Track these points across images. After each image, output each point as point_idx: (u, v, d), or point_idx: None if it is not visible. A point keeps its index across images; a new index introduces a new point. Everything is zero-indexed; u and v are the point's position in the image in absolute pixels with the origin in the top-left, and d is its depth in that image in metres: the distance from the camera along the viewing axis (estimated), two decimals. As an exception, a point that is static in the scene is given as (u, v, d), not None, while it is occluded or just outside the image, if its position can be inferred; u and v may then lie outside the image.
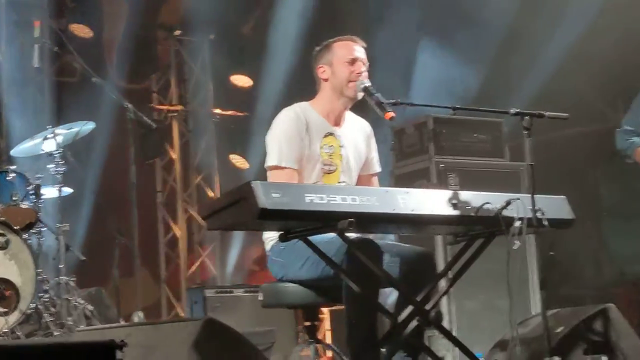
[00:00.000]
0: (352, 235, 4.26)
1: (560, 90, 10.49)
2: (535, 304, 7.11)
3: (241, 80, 10.27)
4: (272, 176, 4.36)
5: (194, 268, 9.80)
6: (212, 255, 9.96)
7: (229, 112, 10.07)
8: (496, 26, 9.22)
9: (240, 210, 3.55)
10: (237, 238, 9.63)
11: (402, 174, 7.30)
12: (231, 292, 7.39)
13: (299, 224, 3.71)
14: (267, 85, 9.55)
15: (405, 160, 7.37)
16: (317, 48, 4.63)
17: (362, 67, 4.48)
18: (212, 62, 10.24)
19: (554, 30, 9.89)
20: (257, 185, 3.48)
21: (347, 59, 4.48)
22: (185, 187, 9.96)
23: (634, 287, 11.50)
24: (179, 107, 9.95)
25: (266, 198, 3.46)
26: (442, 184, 6.88)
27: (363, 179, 4.69)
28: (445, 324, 6.80)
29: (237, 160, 10.10)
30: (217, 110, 10.10)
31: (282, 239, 3.81)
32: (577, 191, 12.05)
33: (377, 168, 4.77)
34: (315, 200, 3.59)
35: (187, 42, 10.24)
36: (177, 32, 10.00)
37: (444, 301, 6.88)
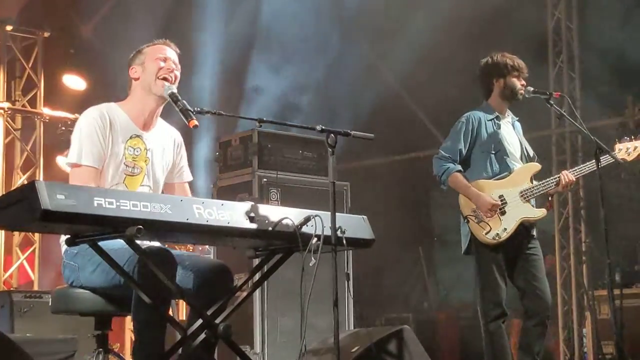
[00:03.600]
0: (149, 244, 4.18)
1: (396, 115, 10.70)
2: (350, 322, 7.18)
3: (74, 82, 9.99)
4: (71, 174, 4.28)
5: (10, 271, 9.43)
6: (32, 259, 9.61)
7: (59, 114, 9.76)
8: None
9: (23, 210, 3.38)
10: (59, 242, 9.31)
11: (224, 186, 7.26)
12: (41, 297, 7.14)
13: (87, 228, 3.57)
14: (101, 90, 9.33)
15: (229, 172, 7.33)
16: (133, 52, 4.55)
17: (173, 66, 4.43)
18: (45, 61, 9.92)
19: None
20: (41, 185, 3.33)
21: (158, 56, 4.44)
22: (8, 187, 9.58)
23: (456, 311, 11.81)
24: (7, 105, 9.58)
25: (50, 199, 3.31)
26: (263, 198, 6.87)
27: (175, 187, 4.63)
28: (257, 341, 6.77)
29: (64, 162, 9.78)
30: (47, 111, 9.78)
31: (69, 243, 3.67)
32: (410, 216, 12.37)
33: (188, 177, 4.71)
34: (104, 205, 3.45)
35: (20, 39, 9.89)
36: (9, 27, 9.64)
37: (257, 318, 6.86)
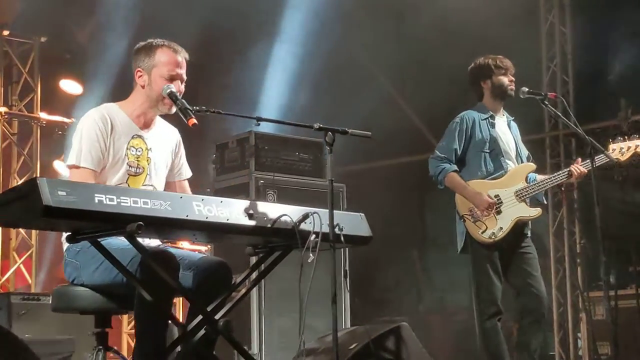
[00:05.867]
0: (150, 242, 4.22)
1: (391, 119, 10.73)
2: (347, 321, 7.22)
3: (71, 87, 10.02)
4: (70, 175, 4.30)
5: (7, 275, 9.45)
6: (29, 263, 9.63)
7: (56, 118, 9.79)
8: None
9: (24, 206, 3.41)
10: (54, 245, 9.36)
11: (222, 188, 7.30)
12: (38, 299, 7.17)
13: (88, 224, 3.60)
14: (97, 94, 9.36)
15: (226, 174, 7.37)
16: (141, 44, 4.50)
17: (180, 85, 4.39)
18: (42, 66, 9.95)
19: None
20: (42, 182, 3.36)
21: (166, 74, 4.38)
22: (5, 192, 9.59)
23: (451, 315, 11.83)
24: (4, 109, 9.60)
25: (51, 196, 3.34)
26: (260, 200, 6.89)
27: (175, 185, 4.66)
28: (254, 340, 6.80)
29: (61, 167, 9.81)
30: (44, 115, 9.81)
31: (70, 240, 3.70)
32: (404, 220, 12.40)
33: (188, 173, 4.74)
34: (105, 201, 3.49)
35: (16, 44, 9.92)
36: (6, 33, 9.67)
37: (254, 319, 6.89)
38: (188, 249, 4.87)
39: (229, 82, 9.84)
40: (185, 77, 4.45)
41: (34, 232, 9.45)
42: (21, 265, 9.54)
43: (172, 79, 4.38)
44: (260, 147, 7.19)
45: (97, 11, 9.59)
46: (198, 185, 5.19)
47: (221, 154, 7.43)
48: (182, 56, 4.48)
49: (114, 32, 9.33)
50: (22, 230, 9.52)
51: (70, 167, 4.30)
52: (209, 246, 7.31)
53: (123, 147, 4.39)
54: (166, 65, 4.40)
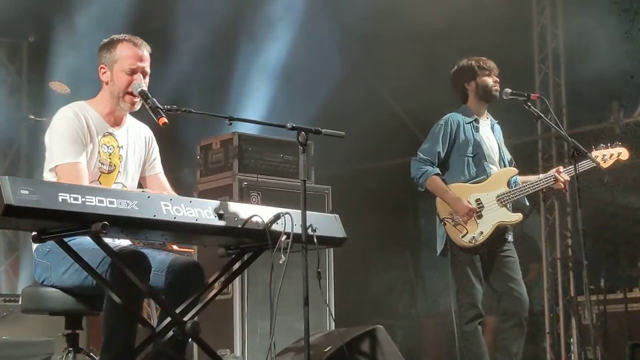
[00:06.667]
0: (121, 243, 4.16)
1: (383, 121, 10.69)
2: (330, 324, 7.17)
3: (59, 87, 9.95)
4: (62, 174, 4.15)
5: (-7, 277, 9.43)
6: (15, 265, 9.58)
7: (44, 119, 9.72)
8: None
9: (-14, 205, 3.36)
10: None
11: (205, 189, 7.25)
12: (19, 301, 7.08)
13: (52, 224, 3.55)
14: (86, 94, 9.29)
15: (210, 175, 7.32)
16: (104, 40, 4.45)
17: (142, 78, 4.33)
18: (30, 66, 9.91)
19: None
20: (4, 180, 3.30)
21: (126, 68, 4.33)
22: (-10, 193, 9.54)
23: (444, 318, 11.77)
24: (-9, 109, 9.56)
25: (13, 194, 3.29)
26: (244, 201, 6.85)
27: (151, 180, 4.60)
28: (237, 343, 6.76)
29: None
30: (32, 116, 9.74)
31: (35, 239, 3.64)
32: (397, 223, 12.35)
33: (160, 169, 4.67)
34: (69, 200, 3.43)
35: (4, 43, 9.88)
36: (-7, 32, 9.65)
37: (236, 322, 6.85)
38: (176, 250, 4.82)
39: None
40: (148, 70, 4.38)
41: (20, 234, 9.40)
42: (7, 267, 9.50)
43: (132, 72, 4.32)
44: (244, 148, 7.15)
45: (86, 10, 9.56)
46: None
47: (205, 155, 7.38)
48: (144, 49, 4.41)
49: (104, 32, 9.27)
50: (8, 233, 9.47)
51: (56, 167, 4.18)
52: (194, 248, 7.28)
53: (96, 144, 4.33)
54: (127, 59, 4.33)
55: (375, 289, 12.48)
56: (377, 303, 12.18)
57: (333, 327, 7.22)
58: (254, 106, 9.10)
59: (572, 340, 9.96)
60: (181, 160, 8.59)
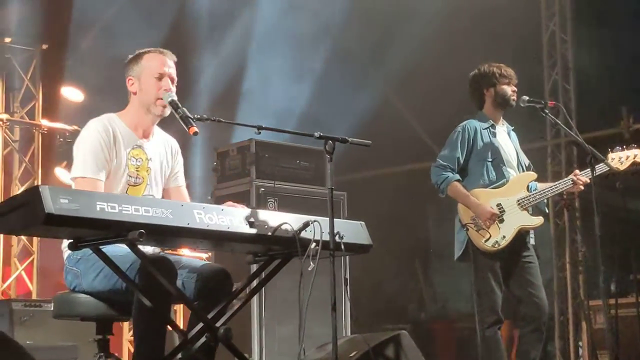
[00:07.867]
0: (149, 250, 4.23)
1: (393, 127, 10.75)
2: (347, 329, 7.22)
3: (72, 94, 10.03)
4: (79, 187, 4.23)
5: (8, 282, 9.45)
6: (30, 269, 9.63)
7: (57, 125, 9.80)
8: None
9: (26, 214, 3.42)
10: (54, 252, 9.34)
11: (222, 195, 7.30)
12: (40, 305, 7.16)
13: (90, 232, 3.61)
14: (100, 101, 9.37)
15: (227, 182, 7.38)
16: (129, 56, 4.57)
17: (170, 84, 4.43)
18: (44, 73, 9.97)
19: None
20: (45, 190, 3.37)
21: (154, 74, 4.43)
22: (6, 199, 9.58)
23: (453, 323, 11.85)
24: (5, 116, 9.61)
25: (53, 203, 3.35)
26: (261, 207, 6.90)
27: (172, 191, 4.68)
28: (255, 348, 6.81)
29: (62, 174, 9.82)
30: (45, 122, 9.82)
31: (72, 247, 3.70)
32: (406, 228, 12.41)
33: (182, 182, 4.75)
34: (107, 209, 3.50)
35: (18, 51, 9.93)
36: (8, 40, 9.69)
37: (254, 327, 6.90)
38: (188, 256, 4.89)
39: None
40: (175, 77, 4.49)
41: (34, 238, 9.45)
42: (22, 272, 9.54)
43: (160, 77, 4.42)
44: (260, 154, 7.21)
45: (99, 18, 9.64)
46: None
47: (222, 161, 7.44)
48: (170, 57, 4.53)
49: (115, 40, 9.36)
50: (23, 237, 9.52)
51: (76, 179, 4.27)
52: (210, 254, 7.34)
53: (124, 157, 4.40)
54: (154, 65, 4.45)
55: (385, 295, 12.54)
56: (386, 308, 12.24)
57: (349, 333, 7.29)
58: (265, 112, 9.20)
59: (580, 344, 10.02)
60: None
